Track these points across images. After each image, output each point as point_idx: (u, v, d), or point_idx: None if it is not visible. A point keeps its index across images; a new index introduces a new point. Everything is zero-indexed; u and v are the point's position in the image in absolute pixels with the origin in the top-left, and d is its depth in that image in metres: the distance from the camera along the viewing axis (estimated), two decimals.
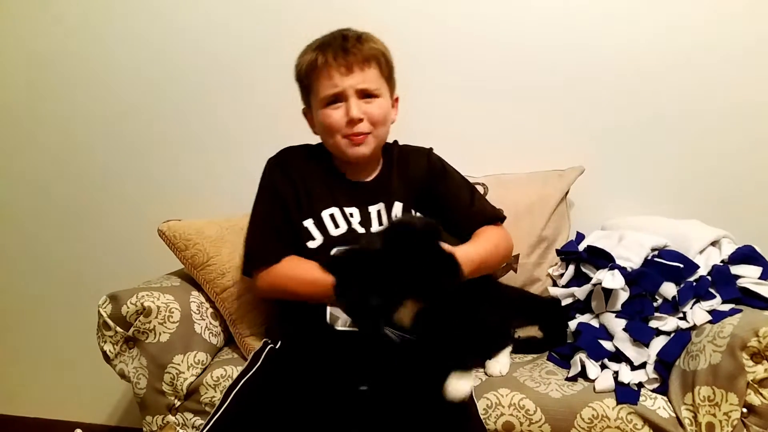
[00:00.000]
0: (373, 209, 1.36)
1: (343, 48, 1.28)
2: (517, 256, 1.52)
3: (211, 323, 1.48)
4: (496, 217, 1.40)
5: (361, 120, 1.29)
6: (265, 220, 1.37)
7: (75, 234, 2.11)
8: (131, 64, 1.98)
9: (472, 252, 1.23)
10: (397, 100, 1.42)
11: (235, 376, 1.35)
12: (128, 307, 1.36)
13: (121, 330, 1.37)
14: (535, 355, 1.41)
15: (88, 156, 2.06)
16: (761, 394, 1.07)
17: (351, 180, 1.39)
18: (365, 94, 1.31)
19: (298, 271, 1.29)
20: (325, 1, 1.80)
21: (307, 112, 1.40)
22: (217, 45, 1.92)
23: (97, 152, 2.05)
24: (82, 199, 2.08)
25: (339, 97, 1.30)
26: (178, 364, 1.37)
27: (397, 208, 1.36)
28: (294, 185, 1.36)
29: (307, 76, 1.32)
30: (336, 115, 1.30)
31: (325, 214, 1.34)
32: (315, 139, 1.44)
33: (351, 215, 1.35)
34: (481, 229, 1.36)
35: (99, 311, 1.38)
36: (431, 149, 1.47)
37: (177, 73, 1.96)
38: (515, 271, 1.52)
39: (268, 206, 1.37)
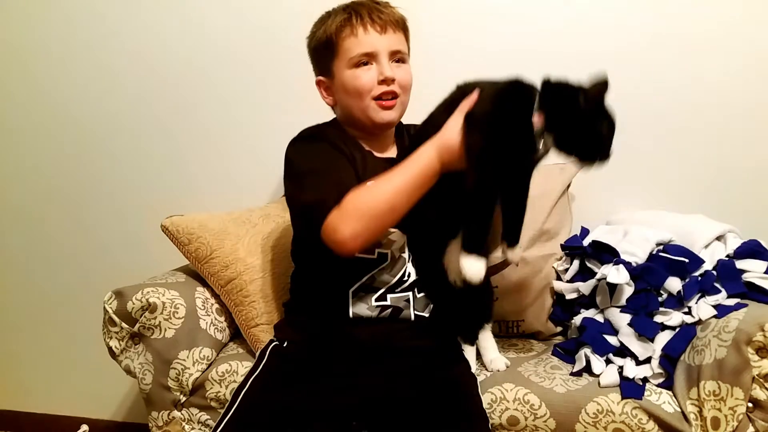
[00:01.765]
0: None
1: (377, 8, 1.26)
2: None
3: (216, 319, 1.49)
4: None
5: (394, 81, 1.25)
6: (316, 170, 1.20)
7: (80, 230, 2.11)
8: (138, 59, 1.98)
9: None
10: None
11: (240, 371, 1.37)
12: (134, 303, 1.36)
13: (127, 326, 1.38)
14: (539, 350, 1.41)
15: (91, 152, 2.07)
16: (767, 388, 1.07)
17: (380, 157, 1.31)
18: (396, 58, 1.27)
19: (379, 182, 1.14)
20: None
21: (323, 82, 1.33)
22: (222, 39, 1.92)
23: (101, 149, 2.06)
24: (87, 196, 2.09)
25: (371, 58, 1.24)
26: (184, 360, 1.38)
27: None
28: (338, 147, 1.25)
29: (337, 35, 1.25)
30: (367, 75, 1.24)
31: None
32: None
33: None
34: None
35: (105, 307, 1.38)
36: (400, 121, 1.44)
37: (183, 68, 1.96)
38: (517, 264, 1.52)
39: (317, 158, 1.23)
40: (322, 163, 1.21)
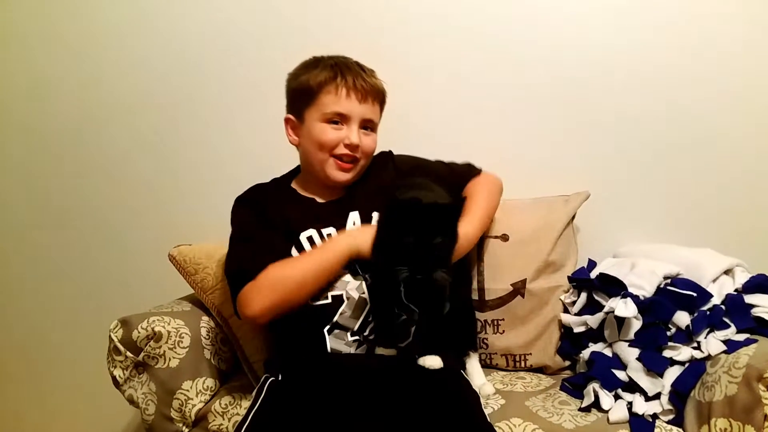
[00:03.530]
0: (348, 222, 1.37)
1: (362, 76, 1.34)
2: (524, 281, 1.52)
3: (220, 349, 1.48)
4: (474, 172, 1.50)
5: (357, 147, 1.34)
6: (244, 239, 1.33)
7: (87, 258, 2.11)
8: (146, 86, 2.01)
9: (470, 230, 1.32)
10: None
11: (243, 404, 1.35)
12: (139, 332, 1.36)
13: (132, 355, 1.37)
14: (546, 384, 1.40)
15: (100, 181, 2.08)
16: None
17: (321, 202, 1.41)
18: (365, 126, 1.36)
19: (293, 261, 1.28)
20: (337, 24, 1.84)
21: (292, 121, 1.40)
22: (232, 65, 1.94)
23: (109, 177, 2.07)
24: (94, 224, 2.10)
25: (343, 120, 1.33)
26: (187, 390, 1.37)
27: (375, 217, 1.36)
28: (267, 216, 1.35)
29: (318, 88, 1.33)
30: (334, 134, 1.33)
31: (303, 237, 1.34)
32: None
33: (329, 235, 1.35)
34: (468, 191, 1.44)
35: (110, 336, 1.38)
36: (390, 151, 1.52)
37: (192, 96, 1.98)
38: (523, 296, 1.51)
39: (246, 227, 1.35)
40: (247, 230, 1.33)
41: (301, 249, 1.33)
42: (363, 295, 1.29)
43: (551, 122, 1.76)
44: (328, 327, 1.28)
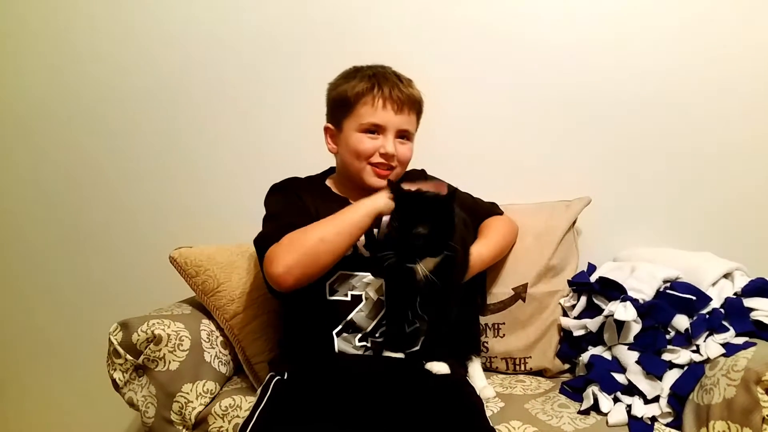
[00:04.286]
0: (381, 226, 1.36)
1: (399, 87, 1.35)
2: (525, 285, 1.52)
3: (221, 351, 1.48)
4: (497, 211, 1.56)
5: (393, 157, 1.35)
6: (274, 217, 1.34)
7: (88, 261, 2.12)
8: (144, 89, 2.02)
9: (484, 251, 1.38)
10: None
11: (244, 406, 1.36)
12: (139, 335, 1.36)
13: (131, 358, 1.37)
14: (546, 387, 1.40)
15: (99, 183, 2.08)
16: None
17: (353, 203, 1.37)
18: (401, 135, 1.37)
19: (314, 223, 1.26)
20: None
21: (330, 130, 1.42)
22: (235, 67, 1.95)
23: (110, 179, 2.08)
24: (94, 227, 2.10)
25: (380, 129, 1.35)
26: (187, 393, 1.36)
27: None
28: (301, 202, 1.37)
29: (356, 99, 1.34)
30: (370, 143, 1.34)
31: None
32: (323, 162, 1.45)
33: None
34: (488, 221, 1.50)
35: (110, 338, 1.38)
36: (423, 170, 1.55)
37: (190, 97, 1.99)
38: (524, 300, 1.52)
39: (276, 207, 1.36)
40: (279, 208, 1.35)
41: None
42: (382, 298, 1.30)
43: (553, 129, 1.76)
44: (338, 329, 1.28)
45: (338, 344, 1.28)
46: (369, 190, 1.36)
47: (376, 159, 1.35)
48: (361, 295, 1.30)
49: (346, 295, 1.30)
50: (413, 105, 1.38)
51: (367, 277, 1.31)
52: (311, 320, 1.31)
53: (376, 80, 1.35)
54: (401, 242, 1.15)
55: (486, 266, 1.43)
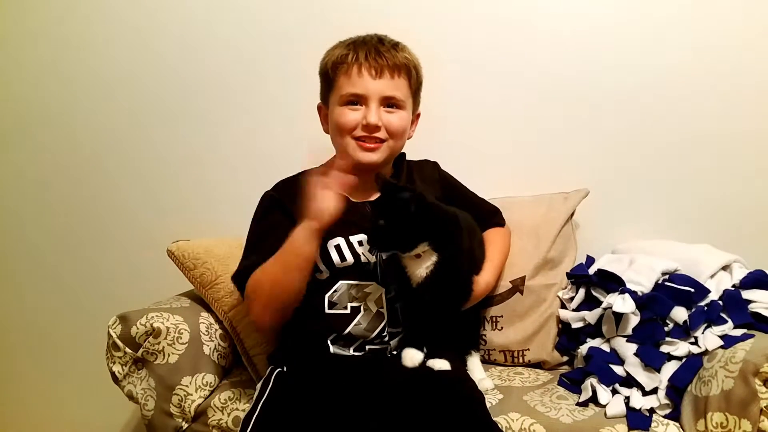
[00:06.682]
0: None
1: (377, 50, 1.24)
2: (523, 278, 1.52)
3: (220, 344, 1.48)
4: (500, 221, 1.53)
5: (378, 128, 1.25)
6: (253, 243, 1.28)
7: (86, 254, 2.12)
8: (143, 82, 2.01)
9: (491, 280, 1.39)
10: (418, 116, 1.40)
11: (243, 398, 1.36)
12: (138, 328, 1.36)
13: (131, 351, 1.37)
14: (544, 379, 1.41)
15: (98, 177, 2.08)
16: None
17: (355, 201, 1.27)
18: (389, 103, 1.27)
19: (264, 264, 1.18)
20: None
21: (322, 108, 1.35)
22: (231, 60, 1.95)
23: (107, 172, 2.08)
24: (92, 221, 2.10)
25: (360, 99, 1.25)
26: (186, 386, 1.37)
27: None
28: (293, 217, 1.22)
29: (333, 70, 1.26)
30: (351, 115, 1.25)
31: (331, 246, 1.27)
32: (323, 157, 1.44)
33: (360, 243, 1.28)
34: (491, 236, 1.47)
35: (109, 332, 1.38)
36: (436, 162, 1.52)
37: (189, 91, 1.99)
38: (522, 292, 1.51)
39: (260, 228, 1.30)
40: (254, 237, 1.28)
41: (327, 259, 1.26)
42: (381, 309, 1.27)
43: (551, 121, 1.76)
44: (332, 337, 1.26)
45: (334, 350, 1.27)
46: (366, 169, 1.27)
47: (359, 132, 1.25)
48: (359, 307, 1.27)
49: (346, 307, 1.26)
50: (398, 69, 1.25)
51: (370, 286, 1.27)
52: (308, 331, 1.28)
53: (353, 47, 1.26)
54: (370, 230, 1.18)
55: (491, 289, 1.42)
